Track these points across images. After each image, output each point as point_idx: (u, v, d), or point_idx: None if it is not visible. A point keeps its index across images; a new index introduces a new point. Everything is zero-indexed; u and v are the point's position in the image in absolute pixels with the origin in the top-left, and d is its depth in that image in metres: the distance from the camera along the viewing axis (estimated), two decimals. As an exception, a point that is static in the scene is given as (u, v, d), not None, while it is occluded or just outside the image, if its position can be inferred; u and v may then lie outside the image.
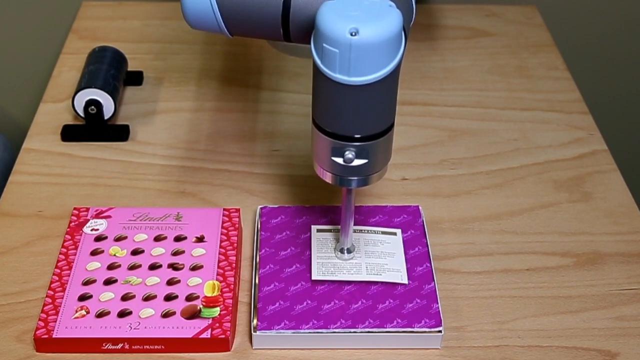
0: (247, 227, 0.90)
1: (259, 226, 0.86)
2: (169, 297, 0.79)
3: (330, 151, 0.71)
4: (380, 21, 0.64)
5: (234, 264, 0.82)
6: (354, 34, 0.63)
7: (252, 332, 0.76)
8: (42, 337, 0.75)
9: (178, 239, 0.85)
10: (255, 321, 0.77)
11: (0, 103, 1.38)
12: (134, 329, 0.76)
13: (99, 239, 0.85)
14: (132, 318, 0.77)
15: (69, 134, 1.01)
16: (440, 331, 0.77)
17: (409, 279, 0.81)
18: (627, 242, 0.90)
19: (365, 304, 0.78)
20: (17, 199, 0.92)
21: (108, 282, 0.80)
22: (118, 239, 0.84)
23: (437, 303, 0.79)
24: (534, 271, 0.86)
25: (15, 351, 0.77)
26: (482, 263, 0.87)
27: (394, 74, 0.67)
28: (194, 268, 0.82)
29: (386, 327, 0.77)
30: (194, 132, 1.03)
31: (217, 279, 0.80)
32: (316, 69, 0.67)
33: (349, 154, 0.70)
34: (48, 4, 1.29)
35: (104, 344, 0.76)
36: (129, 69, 1.10)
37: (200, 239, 0.85)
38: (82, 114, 1.00)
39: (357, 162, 0.71)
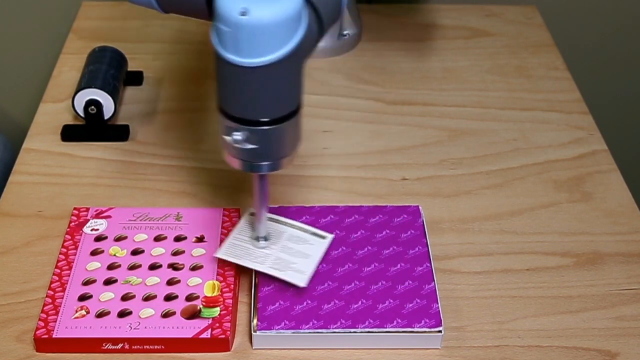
0: (247, 227, 0.90)
1: None
2: (169, 297, 0.79)
3: (223, 130, 0.69)
4: (274, 3, 0.63)
5: (234, 264, 0.82)
6: (244, 13, 0.62)
7: (252, 332, 0.76)
8: (42, 337, 0.75)
9: (178, 239, 0.85)
10: (255, 321, 0.77)
11: (0, 103, 1.38)
12: (134, 329, 0.76)
13: (99, 239, 0.85)
14: (132, 318, 0.77)
15: (69, 134, 1.01)
16: (440, 331, 0.77)
17: (408, 279, 0.81)
18: (627, 242, 0.90)
19: (365, 304, 0.78)
20: (17, 199, 0.92)
21: (108, 282, 0.80)
22: (118, 239, 0.84)
23: (437, 303, 0.79)
24: (534, 271, 0.86)
25: (15, 351, 0.77)
26: (482, 263, 0.87)
27: (291, 58, 0.66)
28: (194, 268, 0.82)
29: (386, 327, 0.77)
30: (194, 132, 1.03)
31: (217, 279, 0.80)
32: (215, 51, 0.66)
33: (238, 136, 0.69)
34: (48, 4, 1.29)
35: (104, 344, 0.76)
36: (129, 69, 1.10)
37: (200, 239, 0.85)
38: (82, 114, 1.00)
39: (248, 146, 0.69)
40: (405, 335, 0.77)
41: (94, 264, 0.82)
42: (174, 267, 0.82)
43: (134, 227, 0.86)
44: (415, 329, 0.77)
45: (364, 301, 0.79)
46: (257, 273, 0.81)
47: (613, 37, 1.38)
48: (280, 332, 0.76)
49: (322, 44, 1.16)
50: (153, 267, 0.82)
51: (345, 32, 1.17)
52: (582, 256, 0.88)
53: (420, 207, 0.89)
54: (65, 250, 0.83)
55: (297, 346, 0.77)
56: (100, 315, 0.77)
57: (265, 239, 0.81)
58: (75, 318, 0.77)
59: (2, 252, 0.86)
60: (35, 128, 1.03)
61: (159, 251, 0.83)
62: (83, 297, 0.79)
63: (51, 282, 0.80)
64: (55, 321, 0.76)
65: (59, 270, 0.81)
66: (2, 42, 1.32)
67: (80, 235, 0.85)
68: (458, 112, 1.08)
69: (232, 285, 0.80)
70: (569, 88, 1.13)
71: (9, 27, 1.31)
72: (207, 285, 0.80)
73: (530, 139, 1.03)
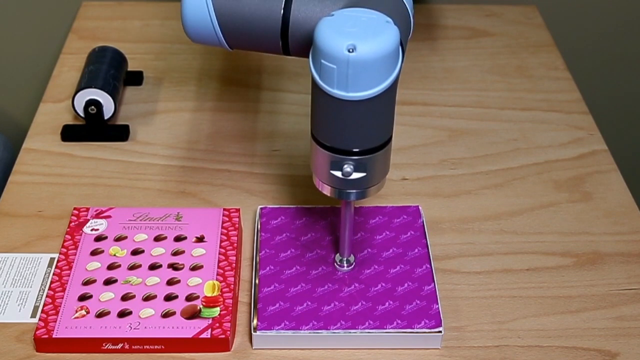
0: (247, 227, 0.90)
1: (259, 227, 0.86)
2: (169, 297, 0.79)
3: (329, 165, 0.71)
4: (377, 37, 0.64)
5: (234, 264, 0.82)
6: (351, 50, 0.63)
7: (252, 332, 0.76)
8: (42, 337, 0.75)
9: (178, 239, 0.85)
10: (255, 321, 0.77)
11: (0, 103, 1.38)
12: (134, 329, 0.76)
13: (99, 239, 0.85)
14: (132, 318, 0.77)
15: (69, 134, 1.01)
16: (440, 331, 0.77)
17: (408, 280, 0.81)
18: (627, 242, 0.90)
19: (365, 306, 0.78)
20: (17, 199, 0.92)
21: (108, 282, 0.80)
22: (118, 239, 0.84)
23: (437, 304, 0.79)
24: (534, 271, 0.86)
25: (15, 351, 0.77)
26: (482, 263, 0.87)
27: (392, 88, 0.68)
28: (194, 268, 0.82)
29: (386, 328, 0.77)
30: (194, 132, 1.03)
31: (217, 279, 0.80)
32: (314, 84, 0.67)
33: (348, 168, 0.70)
34: (48, 4, 1.29)
35: (104, 344, 0.76)
36: (129, 69, 1.10)
37: (200, 239, 0.85)
38: (82, 114, 1.00)
39: (356, 175, 0.71)
40: (405, 336, 0.77)
41: (94, 264, 0.82)
42: (174, 267, 0.82)
43: (134, 227, 0.86)
44: (415, 330, 0.77)
45: (364, 303, 0.79)
46: (257, 274, 0.81)
47: (613, 37, 1.38)
48: (280, 333, 0.77)
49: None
50: (153, 267, 0.82)
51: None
52: (582, 256, 0.88)
53: (420, 208, 0.89)
54: (65, 250, 0.83)
55: (297, 346, 0.77)
56: (100, 315, 0.77)
57: (348, 262, 0.82)
58: (75, 318, 0.77)
59: (2, 252, 0.86)
60: (35, 128, 1.03)
61: (159, 251, 0.83)
62: (83, 297, 0.79)
63: (51, 282, 0.80)
64: (55, 321, 0.76)
65: (59, 270, 0.81)
66: (2, 42, 1.32)
67: (80, 235, 0.85)
68: (458, 112, 1.08)
69: (232, 285, 0.80)
70: (569, 88, 1.13)
71: (9, 27, 1.31)
72: (207, 285, 0.80)
73: (530, 139, 1.03)
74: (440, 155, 1.01)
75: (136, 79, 1.10)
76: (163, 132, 1.03)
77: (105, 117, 1.00)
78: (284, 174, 0.97)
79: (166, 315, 0.77)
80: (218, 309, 0.78)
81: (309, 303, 0.79)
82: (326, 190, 0.74)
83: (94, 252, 0.83)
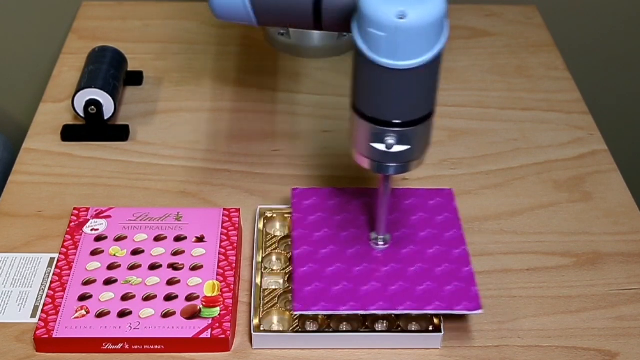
0: (247, 227, 0.90)
1: (292, 207, 0.85)
2: (169, 297, 0.79)
3: (371, 137, 0.70)
4: (426, 3, 0.63)
5: (234, 264, 0.82)
6: (401, 17, 0.63)
7: (252, 332, 0.76)
8: (42, 337, 0.75)
9: (178, 239, 0.85)
10: (256, 321, 0.77)
11: (0, 103, 1.38)
12: (134, 329, 0.76)
13: (99, 239, 0.85)
14: (132, 318, 0.77)
15: (69, 134, 1.01)
16: (469, 313, 0.75)
17: (446, 262, 0.79)
18: (627, 242, 0.90)
19: (404, 286, 0.77)
20: (17, 199, 0.92)
21: (108, 282, 0.80)
22: (118, 239, 0.84)
23: (476, 286, 0.77)
24: (534, 271, 0.86)
25: (15, 351, 0.77)
26: (482, 263, 0.87)
27: (438, 58, 0.67)
28: (194, 268, 0.82)
29: (425, 309, 0.75)
30: (194, 132, 1.03)
31: (217, 279, 0.80)
32: (359, 55, 0.66)
33: (390, 140, 0.69)
34: (48, 4, 1.29)
35: (104, 344, 0.76)
36: (129, 69, 1.10)
37: (200, 239, 0.85)
38: (82, 114, 1.00)
39: (398, 148, 0.70)
40: (405, 336, 0.77)
41: (94, 264, 0.82)
42: (174, 267, 0.82)
43: (134, 227, 0.86)
44: (456, 311, 0.75)
45: (402, 283, 0.77)
46: (291, 253, 0.80)
47: (613, 37, 1.38)
48: (280, 333, 0.77)
49: (322, 43, 1.16)
50: (153, 267, 0.82)
51: (345, 32, 1.17)
52: (582, 256, 0.88)
53: (453, 191, 0.88)
54: (65, 250, 0.83)
55: (297, 346, 0.77)
56: (100, 315, 0.77)
57: (384, 240, 0.81)
58: (75, 318, 0.77)
59: (2, 252, 0.86)
60: (35, 128, 1.03)
61: (159, 251, 0.83)
62: (83, 297, 0.79)
63: (51, 282, 0.80)
64: (55, 321, 0.76)
65: (59, 270, 0.81)
66: (2, 42, 1.32)
67: (80, 235, 0.85)
68: (458, 112, 1.08)
69: (232, 285, 0.80)
70: (569, 88, 1.13)
71: (9, 27, 1.31)
72: (207, 285, 0.80)
73: (530, 139, 1.03)
74: (440, 155, 1.01)
75: (136, 79, 1.10)
76: (163, 132, 1.03)
77: (105, 117, 1.00)
78: (284, 174, 0.97)
79: (166, 315, 0.77)
80: (218, 309, 0.78)
81: (346, 283, 0.77)
82: (365, 164, 0.73)
83: (94, 252, 0.83)
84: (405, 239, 0.82)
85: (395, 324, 0.78)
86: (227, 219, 0.87)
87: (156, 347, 0.76)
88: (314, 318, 0.78)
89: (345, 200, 0.86)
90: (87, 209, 0.88)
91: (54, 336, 0.75)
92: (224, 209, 0.88)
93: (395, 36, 0.63)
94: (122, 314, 0.77)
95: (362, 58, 0.66)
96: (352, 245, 0.81)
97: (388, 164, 0.72)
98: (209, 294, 0.79)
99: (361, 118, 0.70)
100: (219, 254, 0.83)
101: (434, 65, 0.67)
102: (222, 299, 0.78)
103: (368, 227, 0.83)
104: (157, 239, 0.85)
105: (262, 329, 0.77)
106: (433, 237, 0.82)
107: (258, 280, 0.81)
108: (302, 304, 0.75)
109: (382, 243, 0.81)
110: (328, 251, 0.80)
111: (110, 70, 1.02)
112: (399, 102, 0.68)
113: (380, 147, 0.70)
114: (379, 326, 0.78)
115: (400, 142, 0.70)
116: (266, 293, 0.80)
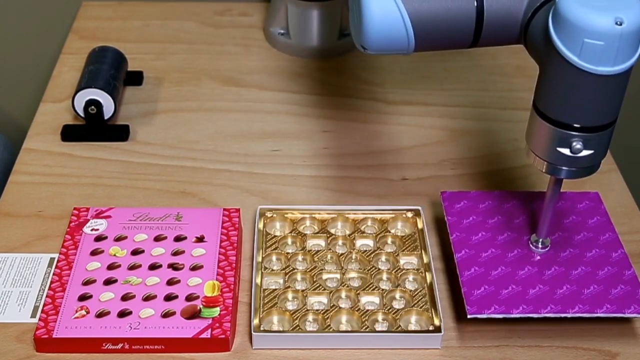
0: (247, 227, 0.90)
1: (444, 210, 0.86)
2: (169, 297, 0.79)
3: (556, 141, 0.71)
4: (634, 7, 0.65)
5: (234, 264, 0.82)
6: (620, 23, 0.64)
7: (252, 332, 0.76)
8: (42, 337, 0.75)
9: (178, 239, 0.85)
10: (256, 321, 0.77)
11: (0, 103, 1.38)
12: (134, 329, 0.76)
13: (99, 239, 0.85)
14: (132, 318, 0.77)
15: (69, 134, 1.01)
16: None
17: (607, 265, 0.80)
18: (627, 242, 0.89)
19: (571, 289, 0.78)
20: (17, 199, 0.92)
21: (108, 282, 0.80)
22: (118, 239, 0.84)
23: None
24: (534, 271, 0.86)
25: (15, 351, 0.77)
26: (482, 263, 0.87)
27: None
28: (194, 268, 0.82)
29: (597, 313, 0.76)
30: (194, 132, 1.03)
31: (217, 279, 0.80)
32: (566, 67, 0.67)
33: (577, 145, 0.70)
34: (48, 4, 1.29)
35: (104, 344, 0.76)
36: (129, 69, 1.10)
37: (200, 239, 0.85)
38: (82, 114, 1.00)
39: (585, 152, 0.71)
40: (405, 336, 0.77)
41: (94, 264, 0.82)
42: (174, 267, 0.82)
43: (134, 227, 0.86)
44: (627, 315, 0.76)
45: (569, 286, 0.78)
46: (454, 257, 0.81)
47: (613, 37, 1.37)
48: (280, 334, 0.77)
49: (322, 44, 1.16)
50: (153, 267, 0.82)
51: (346, 32, 1.17)
52: (582, 256, 0.88)
53: (599, 194, 0.89)
54: (65, 250, 0.83)
55: (297, 346, 0.77)
56: (100, 315, 0.77)
57: (544, 243, 0.81)
58: (75, 318, 0.77)
59: (2, 252, 0.86)
60: (35, 128, 1.03)
61: (159, 251, 0.83)
62: (83, 297, 0.79)
63: (51, 282, 0.80)
64: (55, 321, 0.76)
65: (59, 270, 0.81)
66: (2, 42, 1.32)
67: (80, 235, 0.85)
68: (458, 112, 1.08)
69: (232, 285, 0.80)
70: (569, 88, 1.13)
71: (9, 27, 1.31)
72: (207, 285, 0.80)
73: (530, 139, 1.03)
74: (440, 155, 1.01)
75: (136, 79, 1.10)
76: (163, 132, 1.03)
77: (105, 117, 1.00)
78: (284, 174, 0.97)
79: (166, 315, 0.77)
80: (218, 309, 0.78)
81: (514, 286, 0.78)
82: (540, 165, 0.74)
83: (94, 252, 0.83)
84: (563, 241, 0.83)
85: (396, 324, 0.78)
86: (227, 219, 0.87)
87: (156, 347, 0.76)
88: (314, 318, 0.78)
89: (496, 203, 0.87)
90: (87, 209, 0.88)
91: (54, 336, 0.75)
92: (224, 209, 0.88)
93: (616, 43, 0.65)
94: (122, 314, 0.77)
95: (571, 70, 0.67)
96: (512, 248, 0.82)
97: (565, 168, 0.73)
98: (209, 294, 0.79)
99: (549, 124, 0.71)
100: (219, 254, 0.83)
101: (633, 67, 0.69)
102: (222, 299, 0.78)
103: (524, 230, 0.84)
104: (157, 239, 0.85)
105: (262, 329, 0.77)
106: (590, 240, 0.83)
107: (258, 280, 0.81)
108: (475, 307, 0.76)
109: (541, 246, 0.81)
110: (489, 254, 0.81)
111: (110, 70, 1.02)
112: (602, 106, 0.69)
113: (567, 151, 0.71)
114: (379, 326, 0.78)
115: (586, 146, 0.71)
116: (266, 293, 0.80)
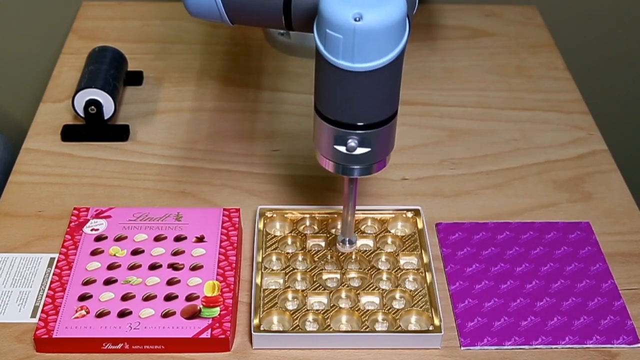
0: (247, 227, 0.90)
1: (439, 242, 0.87)
2: (169, 297, 0.79)
3: (333, 139, 0.70)
4: (384, 7, 0.63)
5: (234, 264, 0.82)
6: (357, 19, 0.63)
7: (252, 332, 0.76)
8: (42, 337, 0.75)
9: (178, 239, 0.85)
10: (256, 321, 0.77)
11: (0, 103, 1.38)
12: (134, 329, 0.76)
13: (99, 239, 0.85)
14: (132, 318, 0.77)
15: (69, 134, 1.01)
16: (629, 347, 0.77)
17: (597, 295, 0.82)
18: (627, 242, 0.90)
19: (561, 320, 0.79)
20: (17, 199, 0.92)
21: (108, 282, 0.80)
22: (118, 239, 0.84)
23: (631, 320, 0.80)
24: (534, 271, 0.86)
25: (15, 351, 0.77)
26: (482, 263, 0.87)
27: (398, 60, 0.67)
28: (194, 268, 0.82)
29: (586, 344, 0.77)
30: (194, 132, 1.03)
31: (217, 279, 0.80)
32: (319, 56, 0.67)
33: (352, 142, 0.70)
34: (48, 4, 1.29)
35: (104, 344, 0.76)
36: (129, 69, 1.10)
37: (200, 239, 0.85)
38: (82, 114, 1.00)
39: (360, 150, 0.70)
40: (405, 336, 0.77)
41: (94, 264, 0.82)
42: (174, 267, 0.82)
43: (134, 227, 0.86)
44: (615, 346, 0.78)
45: (559, 317, 0.80)
46: (448, 290, 0.83)
47: (613, 37, 1.38)
48: (280, 333, 0.77)
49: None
50: (153, 267, 0.82)
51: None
52: (582, 256, 0.88)
53: (590, 224, 0.90)
54: (65, 250, 0.83)
55: (297, 346, 0.77)
56: (100, 315, 0.77)
57: (350, 242, 0.81)
58: (75, 318, 0.77)
59: (2, 252, 0.86)
60: (35, 128, 1.03)
61: (159, 251, 0.83)
62: (83, 297, 0.79)
63: (51, 282, 0.80)
64: (55, 321, 0.76)
65: (59, 270, 0.81)
66: (2, 42, 1.32)
67: (80, 235, 0.85)
68: (458, 112, 1.08)
69: (232, 285, 0.80)
70: (569, 88, 1.13)
71: (9, 27, 1.31)
72: (207, 285, 0.80)
73: (530, 139, 1.03)
74: (440, 155, 1.01)
75: (136, 79, 1.10)
76: (163, 132, 1.03)
77: (105, 117, 1.00)
78: (284, 174, 0.97)
79: (166, 315, 0.77)
80: (218, 309, 0.78)
81: (506, 318, 0.79)
82: (329, 167, 0.73)
83: (94, 252, 0.83)
84: (555, 272, 0.84)
85: (396, 324, 0.78)
86: (227, 219, 0.87)
87: (156, 347, 0.76)
88: (314, 318, 0.78)
89: (489, 235, 0.88)
90: (87, 209, 0.88)
91: (54, 336, 0.75)
92: (224, 209, 0.88)
93: (351, 38, 0.64)
94: (122, 314, 0.77)
95: (322, 59, 0.66)
96: (505, 280, 0.83)
97: (352, 167, 0.73)
98: (209, 294, 0.79)
99: (323, 120, 0.70)
100: (219, 254, 0.83)
101: (394, 67, 0.67)
102: (222, 299, 0.78)
103: (516, 261, 0.85)
104: (157, 239, 0.85)
105: (262, 329, 0.77)
106: (580, 271, 0.85)
107: (258, 280, 0.81)
108: (468, 340, 0.78)
109: (348, 244, 0.81)
110: (483, 286, 0.82)
111: (110, 70, 1.02)
112: (359, 104, 0.68)
113: (343, 149, 0.71)
114: (379, 326, 0.78)
115: (362, 144, 0.70)
116: (266, 293, 0.80)
